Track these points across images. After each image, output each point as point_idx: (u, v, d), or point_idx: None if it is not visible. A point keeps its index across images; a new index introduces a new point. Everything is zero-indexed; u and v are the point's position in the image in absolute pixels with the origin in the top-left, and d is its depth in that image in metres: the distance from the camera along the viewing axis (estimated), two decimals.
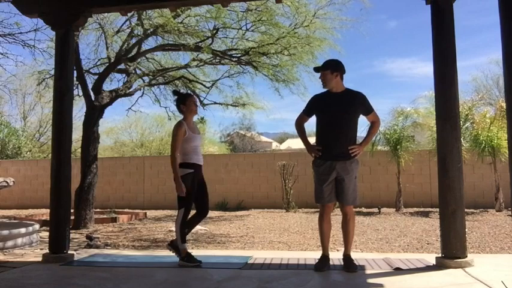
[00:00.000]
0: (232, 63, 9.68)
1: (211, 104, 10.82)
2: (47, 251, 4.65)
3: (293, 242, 6.33)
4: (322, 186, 3.94)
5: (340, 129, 3.93)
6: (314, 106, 4.11)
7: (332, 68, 4.01)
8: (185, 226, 4.33)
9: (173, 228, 7.75)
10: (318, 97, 4.14)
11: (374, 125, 4.15)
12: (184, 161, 4.34)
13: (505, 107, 3.63)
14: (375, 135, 4.04)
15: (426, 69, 68.42)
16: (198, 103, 4.75)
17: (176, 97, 4.60)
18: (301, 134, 4.20)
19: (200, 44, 8.76)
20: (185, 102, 4.46)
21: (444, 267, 3.91)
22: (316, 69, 4.14)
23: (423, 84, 53.67)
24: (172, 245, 4.37)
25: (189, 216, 4.40)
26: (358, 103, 4.01)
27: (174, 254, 4.34)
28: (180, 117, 4.56)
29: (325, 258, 4.02)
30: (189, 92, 4.92)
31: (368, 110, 4.05)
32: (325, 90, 4.11)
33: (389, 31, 69.93)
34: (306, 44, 8.92)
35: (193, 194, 4.34)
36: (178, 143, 4.29)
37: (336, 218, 4.06)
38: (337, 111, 3.94)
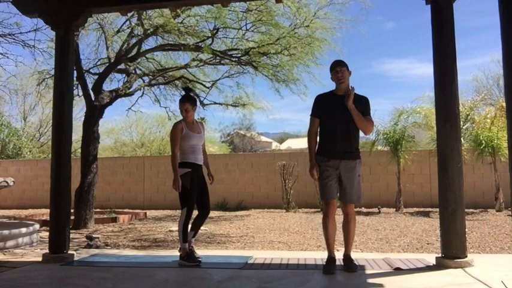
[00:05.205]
0: (232, 63, 9.67)
1: (211, 104, 10.83)
2: (47, 251, 4.65)
3: (293, 242, 6.33)
4: (324, 181, 3.92)
5: (344, 130, 3.93)
6: (321, 105, 4.06)
7: (348, 67, 4.05)
8: (188, 225, 4.34)
9: (173, 228, 7.78)
10: (323, 96, 4.12)
11: (367, 118, 4.01)
12: (182, 160, 4.39)
13: (505, 106, 3.64)
14: (363, 122, 3.98)
15: (424, 69, 68.54)
16: (196, 106, 4.70)
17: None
18: (311, 148, 4.06)
19: (200, 44, 8.76)
20: (179, 105, 4.52)
21: (444, 267, 3.90)
22: (335, 65, 4.02)
23: (421, 85, 53.77)
24: (183, 259, 4.31)
25: (194, 217, 4.41)
26: (360, 103, 3.99)
27: (191, 262, 4.27)
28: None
29: (332, 259, 3.97)
30: (190, 94, 4.83)
31: (364, 111, 3.98)
32: (329, 90, 4.11)
33: (387, 32, 70.07)
34: (306, 44, 8.92)
35: (194, 193, 4.36)
36: (176, 141, 4.35)
37: (336, 218, 4.05)
38: (343, 112, 3.92)
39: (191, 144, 4.41)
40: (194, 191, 4.36)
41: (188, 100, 4.53)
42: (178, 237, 4.49)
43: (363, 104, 4.01)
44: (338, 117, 3.94)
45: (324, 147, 4.02)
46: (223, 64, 9.87)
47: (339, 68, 4.01)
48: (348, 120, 3.92)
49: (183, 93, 4.75)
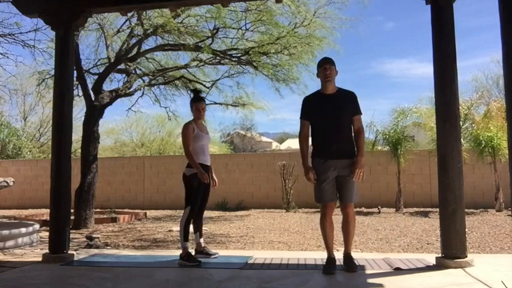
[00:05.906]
0: (232, 63, 9.68)
1: (211, 104, 10.84)
2: (47, 251, 4.65)
3: (293, 242, 6.34)
4: (321, 185, 3.90)
5: (337, 130, 3.91)
6: (310, 107, 4.05)
7: (335, 67, 4.04)
8: (189, 224, 4.42)
9: (173, 228, 7.78)
10: (311, 98, 4.10)
11: (360, 134, 3.98)
12: None
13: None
14: (364, 144, 4.04)
15: (424, 69, 68.46)
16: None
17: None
18: (303, 150, 4.03)
19: (200, 44, 8.76)
20: (192, 105, 4.64)
21: (444, 267, 3.90)
22: (324, 62, 4.00)
23: (421, 85, 53.71)
24: (183, 259, 4.33)
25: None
26: (349, 100, 4.01)
27: (191, 262, 4.27)
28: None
29: (332, 260, 3.96)
30: (200, 94, 4.95)
31: (356, 110, 3.98)
32: (315, 91, 4.12)
33: (387, 32, 70.00)
34: (305, 43, 8.93)
35: (200, 194, 4.47)
36: (189, 140, 4.45)
37: (335, 218, 4.05)
38: (333, 111, 3.92)
39: (201, 144, 4.53)
40: (200, 192, 4.47)
41: (203, 100, 4.77)
42: (179, 237, 4.51)
43: (352, 101, 4.00)
44: (328, 116, 3.91)
45: (319, 148, 3.99)
46: (223, 64, 9.88)
47: (327, 66, 3.98)
48: (339, 119, 3.90)
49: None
